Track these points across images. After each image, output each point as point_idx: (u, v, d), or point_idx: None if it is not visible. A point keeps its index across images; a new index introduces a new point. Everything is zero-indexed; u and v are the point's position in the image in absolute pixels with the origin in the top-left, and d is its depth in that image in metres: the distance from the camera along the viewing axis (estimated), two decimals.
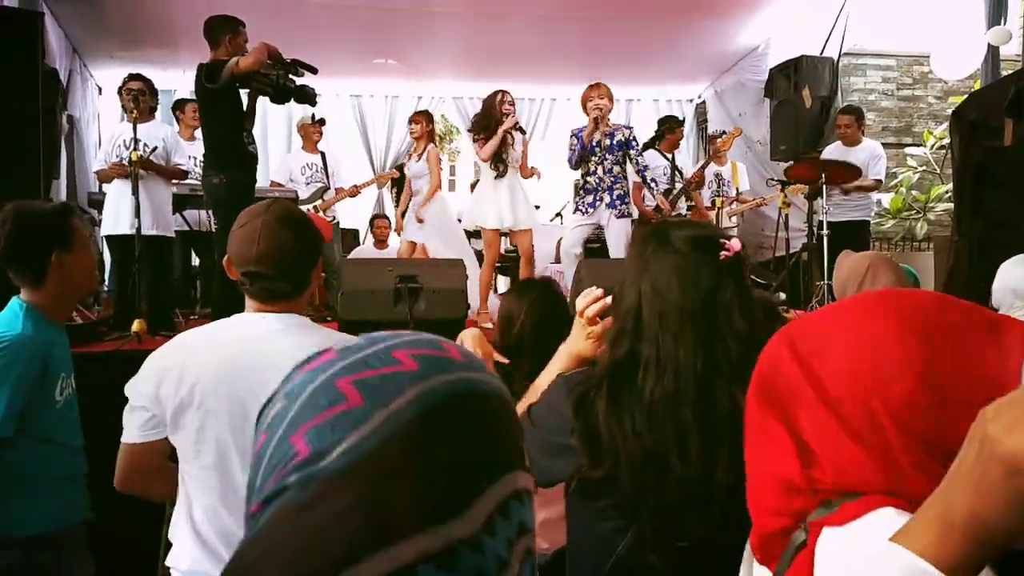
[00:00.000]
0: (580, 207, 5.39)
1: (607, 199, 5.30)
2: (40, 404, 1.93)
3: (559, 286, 2.40)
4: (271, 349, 1.52)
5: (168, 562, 1.66)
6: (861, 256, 2.52)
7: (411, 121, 6.11)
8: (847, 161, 5.59)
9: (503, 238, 5.90)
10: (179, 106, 6.25)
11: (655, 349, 1.20)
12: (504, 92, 5.35)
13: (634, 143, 5.45)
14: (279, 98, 4.45)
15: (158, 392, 1.59)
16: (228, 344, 1.62)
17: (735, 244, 1.21)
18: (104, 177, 4.90)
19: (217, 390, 1.56)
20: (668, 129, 6.66)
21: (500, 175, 5.26)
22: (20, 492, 1.91)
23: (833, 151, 6.00)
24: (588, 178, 5.32)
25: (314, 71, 4.47)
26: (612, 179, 5.32)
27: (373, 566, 0.38)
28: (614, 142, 5.31)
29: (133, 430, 1.64)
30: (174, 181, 5.04)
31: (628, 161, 5.43)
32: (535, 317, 2.10)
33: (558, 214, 8.50)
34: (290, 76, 4.36)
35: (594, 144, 5.28)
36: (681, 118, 7.55)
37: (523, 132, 5.54)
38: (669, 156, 6.54)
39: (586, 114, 5.33)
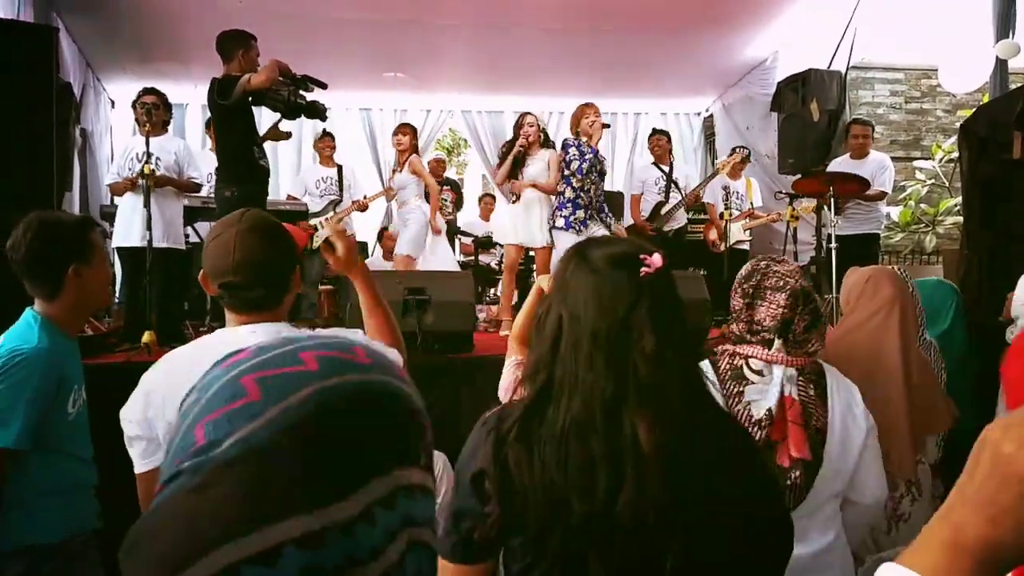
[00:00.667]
0: (573, 225, 5.14)
1: (597, 216, 5.27)
2: (54, 416, 1.94)
3: None
4: None
5: None
6: (863, 269, 2.53)
7: (399, 133, 6.11)
8: (855, 173, 5.58)
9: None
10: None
11: (567, 376, 1.14)
12: (526, 114, 5.45)
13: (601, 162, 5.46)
14: (290, 114, 4.50)
15: (146, 416, 1.56)
16: (207, 361, 1.60)
17: (656, 260, 1.15)
18: (116, 190, 4.95)
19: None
20: (649, 140, 6.83)
21: (517, 199, 5.39)
22: (31, 502, 1.91)
23: (841, 163, 5.99)
24: (581, 194, 5.20)
25: (324, 86, 4.53)
26: (600, 197, 5.32)
27: (243, 545, 0.41)
28: (599, 159, 5.36)
29: (137, 460, 1.61)
30: (186, 194, 5.09)
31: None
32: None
33: None
34: (300, 92, 4.41)
35: (584, 163, 5.21)
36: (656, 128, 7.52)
37: (552, 147, 5.50)
38: (664, 168, 6.57)
39: (576, 131, 5.33)
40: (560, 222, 5.16)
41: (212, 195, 5.71)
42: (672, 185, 6.52)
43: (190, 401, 0.50)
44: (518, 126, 5.39)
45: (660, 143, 6.73)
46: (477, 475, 1.16)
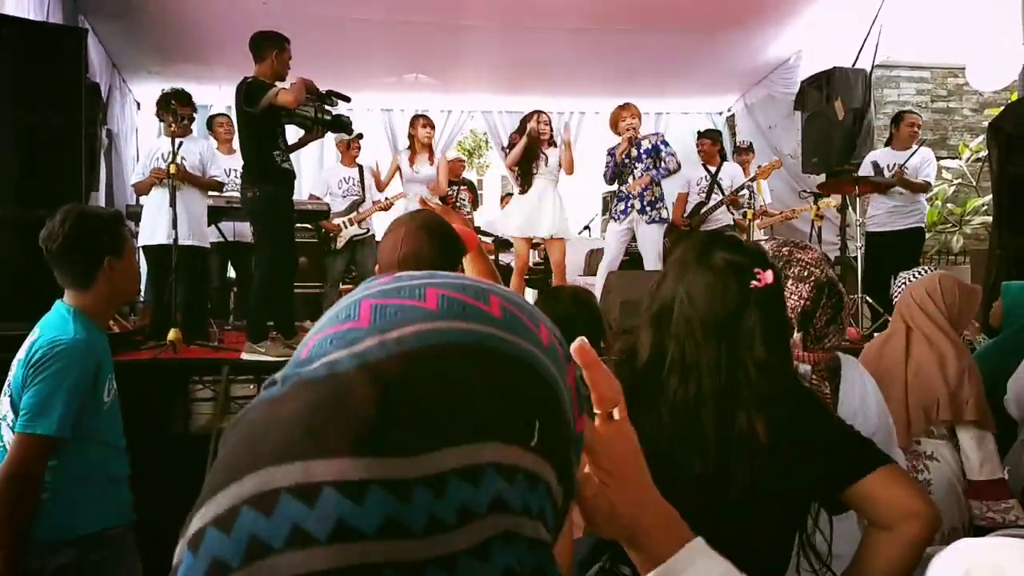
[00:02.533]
0: (613, 215, 5.63)
1: (638, 205, 5.50)
2: (91, 405, 1.98)
3: (591, 293, 2.42)
4: None
5: None
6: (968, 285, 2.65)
7: (428, 125, 6.19)
8: (897, 164, 5.53)
9: (533, 250, 5.97)
10: (210, 122, 6.40)
11: (680, 351, 1.25)
12: (540, 113, 5.63)
13: (662, 146, 5.64)
14: (317, 130, 4.56)
15: None
16: None
17: (767, 276, 1.24)
18: (141, 188, 5.01)
19: None
20: (698, 140, 6.78)
21: (524, 189, 5.51)
22: (76, 492, 1.95)
23: (883, 154, 5.86)
24: (621, 187, 5.58)
25: (347, 99, 4.59)
26: (642, 186, 5.51)
27: (285, 472, 0.38)
28: (642, 150, 5.56)
29: None
30: (210, 193, 5.14)
31: (659, 163, 5.59)
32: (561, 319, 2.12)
33: (586, 227, 8.51)
34: (326, 107, 4.44)
35: (624, 158, 5.55)
36: (710, 128, 7.48)
37: (555, 145, 5.64)
38: (711, 169, 6.55)
39: (616, 134, 5.63)
40: (613, 213, 5.68)
41: (237, 194, 5.79)
42: (715, 186, 6.50)
43: (325, 317, 0.48)
44: (527, 119, 5.58)
45: (703, 146, 6.69)
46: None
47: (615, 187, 5.73)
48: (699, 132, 7.04)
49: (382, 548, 0.37)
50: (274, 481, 0.37)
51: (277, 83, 4.38)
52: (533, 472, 0.43)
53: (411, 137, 6.20)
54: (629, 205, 5.51)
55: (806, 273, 1.77)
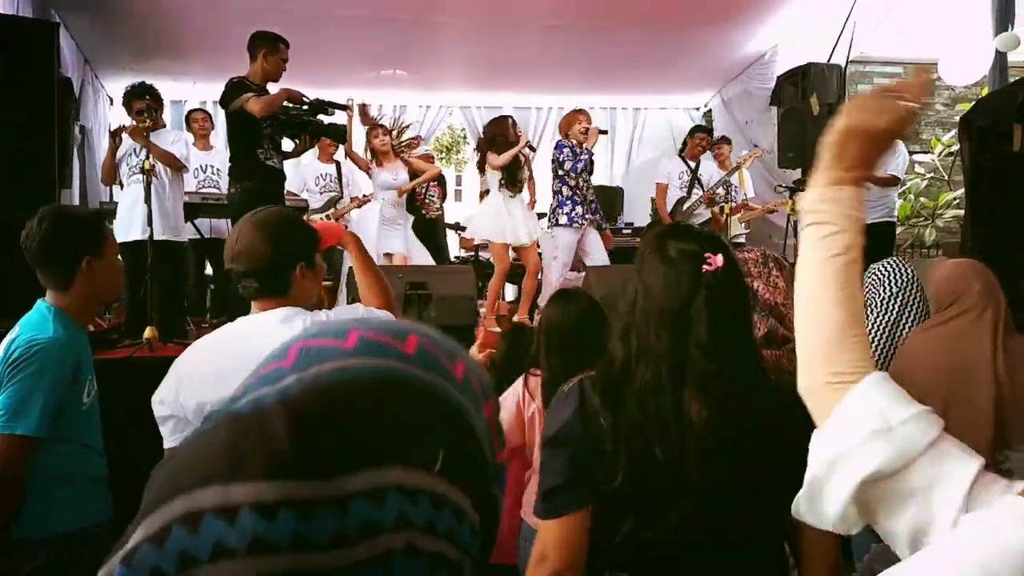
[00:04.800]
0: (575, 220, 5.48)
1: (588, 214, 5.57)
2: (70, 406, 1.97)
3: (590, 296, 2.46)
4: (260, 344, 1.56)
5: None
6: (950, 262, 2.43)
7: (383, 133, 6.11)
8: None
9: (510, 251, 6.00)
10: (187, 117, 6.34)
11: (643, 341, 1.31)
12: (512, 118, 5.70)
13: (591, 164, 5.73)
14: (304, 140, 4.48)
15: (178, 399, 1.70)
16: (225, 344, 1.73)
17: (717, 259, 1.28)
18: (106, 172, 4.91)
19: (217, 391, 1.59)
20: (689, 136, 6.84)
21: (514, 194, 5.49)
22: (52, 491, 1.94)
23: None
24: (577, 192, 5.56)
25: (344, 108, 4.53)
26: (592, 194, 5.65)
27: (210, 494, 0.42)
28: (588, 159, 5.64)
29: (167, 437, 1.76)
30: (186, 189, 5.09)
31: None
32: (580, 324, 2.17)
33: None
34: (317, 116, 4.38)
35: (578, 164, 5.55)
36: (701, 124, 7.53)
37: (533, 150, 5.68)
38: (692, 164, 6.58)
39: (565, 135, 5.62)
40: (563, 219, 5.50)
41: (213, 190, 5.78)
42: (696, 181, 6.54)
43: (265, 356, 0.52)
44: (513, 126, 5.54)
45: (700, 141, 6.70)
46: (577, 431, 1.32)
47: (573, 183, 5.58)
48: (696, 127, 7.09)
49: (289, 560, 0.42)
50: (200, 502, 0.42)
51: (269, 84, 4.36)
52: (438, 494, 0.48)
53: (372, 150, 6.09)
54: (586, 210, 5.53)
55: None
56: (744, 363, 1.32)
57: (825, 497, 0.83)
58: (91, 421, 2.09)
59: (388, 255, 5.91)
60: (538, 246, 6.66)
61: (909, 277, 2.82)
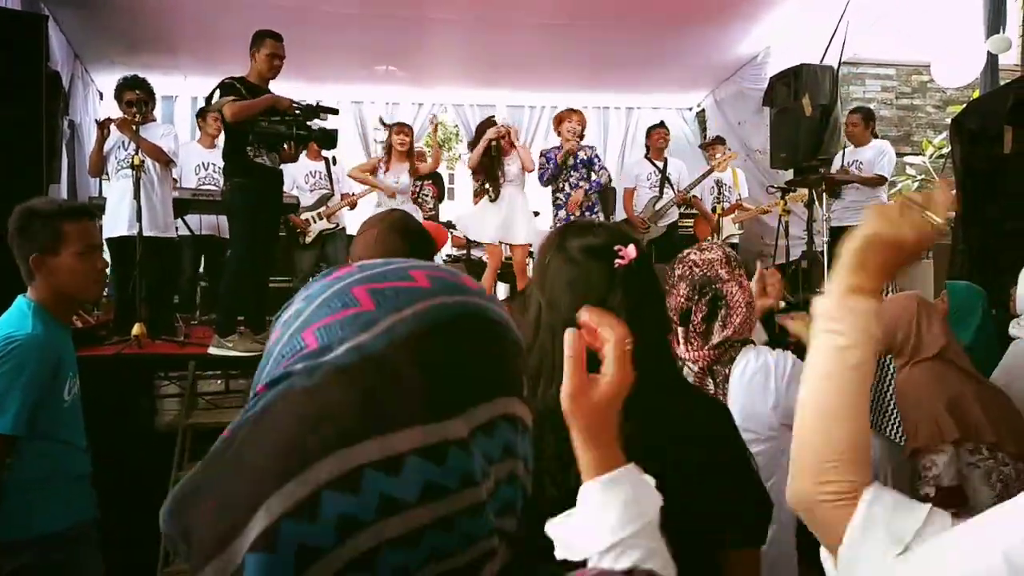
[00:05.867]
0: (557, 224, 5.71)
1: (577, 213, 5.67)
2: (50, 403, 1.93)
3: None
4: None
5: None
6: (903, 298, 2.44)
7: (403, 132, 6.03)
8: (855, 160, 5.82)
9: (502, 246, 6.00)
10: (202, 114, 6.28)
11: (545, 363, 1.17)
12: (500, 126, 5.77)
13: (596, 159, 5.85)
14: (290, 147, 4.41)
15: None
16: None
17: (630, 251, 1.17)
18: (93, 164, 4.86)
19: None
20: (651, 132, 6.86)
21: (493, 197, 5.57)
22: (33, 492, 1.91)
23: (845, 152, 6.05)
24: (559, 195, 5.74)
25: (335, 112, 4.49)
26: (578, 203, 5.70)
27: (366, 450, 0.41)
28: (578, 160, 5.73)
29: None
30: (176, 185, 5.05)
31: (591, 175, 5.81)
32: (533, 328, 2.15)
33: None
34: (306, 123, 4.32)
35: (558, 168, 5.70)
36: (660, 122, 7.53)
37: (513, 146, 5.74)
38: (658, 164, 6.59)
39: (558, 134, 5.76)
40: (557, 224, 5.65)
41: (206, 187, 5.75)
42: (665, 181, 6.55)
43: (293, 310, 0.49)
44: (487, 125, 5.68)
45: (665, 137, 6.77)
46: None
47: (547, 189, 5.84)
48: (652, 126, 7.06)
49: (455, 500, 0.43)
50: (353, 460, 0.41)
51: (271, 83, 4.34)
52: (524, 420, 0.51)
53: (388, 145, 6.03)
54: (569, 215, 5.65)
55: (687, 272, 1.83)
56: (664, 366, 1.22)
57: None
58: (73, 418, 2.05)
59: None
60: (531, 246, 6.65)
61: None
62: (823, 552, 0.87)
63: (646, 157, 6.81)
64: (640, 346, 1.06)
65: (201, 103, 6.72)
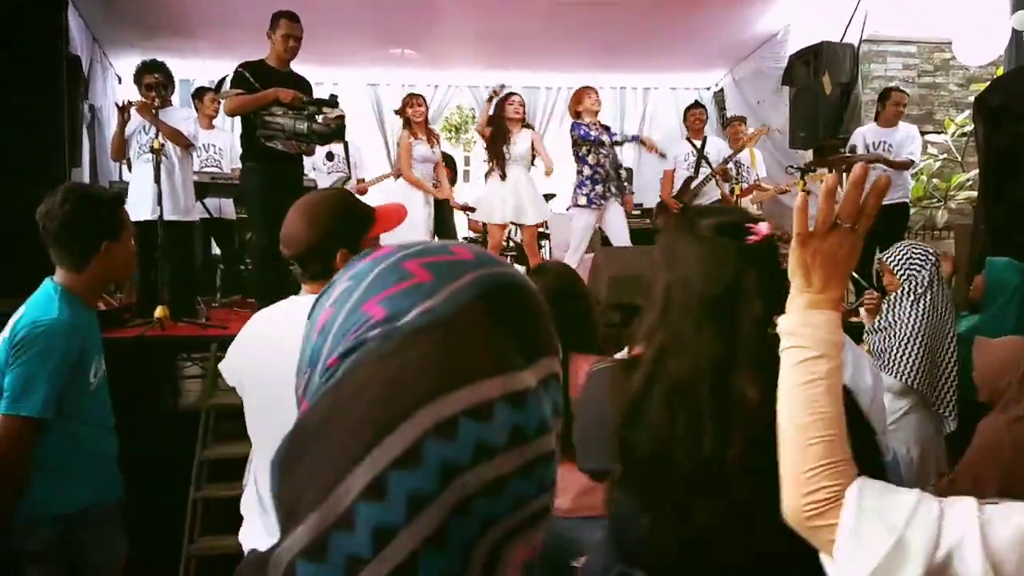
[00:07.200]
0: (594, 201, 5.53)
1: (613, 189, 5.62)
2: (76, 386, 1.96)
3: (572, 268, 2.44)
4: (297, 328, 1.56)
5: (240, 537, 1.73)
6: (1015, 343, 2.36)
7: (414, 104, 6.00)
8: (883, 141, 5.68)
9: (510, 227, 6.02)
10: (198, 95, 6.32)
11: (674, 340, 1.20)
12: (511, 94, 5.72)
13: (614, 134, 5.81)
14: (292, 145, 4.41)
15: (230, 367, 1.73)
16: (269, 326, 1.73)
17: (762, 227, 1.19)
18: (115, 148, 4.89)
19: (262, 374, 1.61)
20: (686, 113, 6.77)
21: (503, 176, 5.51)
22: (59, 472, 1.94)
23: (869, 131, 5.90)
24: (598, 169, 5.58)
25: (331, 104, 4.44)
26: (616, 170, 5.70)
27: (459, 398, 0.43)
28: (609, 136, 5.67)
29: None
30: (195, 169, 5.10)
31: (617, 147, 5.83)
32: (548, 295, 2.15)
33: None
34: (315, 118, 4.32)
35: (599, 137, 5.58)
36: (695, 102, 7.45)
37: (531, 127, 5.67)
38: (697, 143, 6.53)
39: (576, 111, 5.65)
40: (582, 200, 5.54)
41: (212, 169, 5.83)
42: (703, 160, 6.49)
43: (341, 289, 0.52)
44: (497, 108, 5.57)
45: (701, 117, 6.67)
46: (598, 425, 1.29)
47: (594, 160, 5.60)
48: (688, 106, 7.00)
49: (538, 446, 0.46)
50: (448, 408, 0.43)
51: (289, 64, 4.39)
52: (560, 378, 0.53)
53: (406, 119, 6.01)
54: (607, 188, 5.56)
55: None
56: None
57: None
58: (99, 399, 2.09)
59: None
60: (545, 227, 6.63)
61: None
62: (823, 558, 0.89)
63: (686, 138, 6.75)
64: (769, 320, 1.14)
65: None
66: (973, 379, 2.41)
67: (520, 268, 5.62)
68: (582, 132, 5.53)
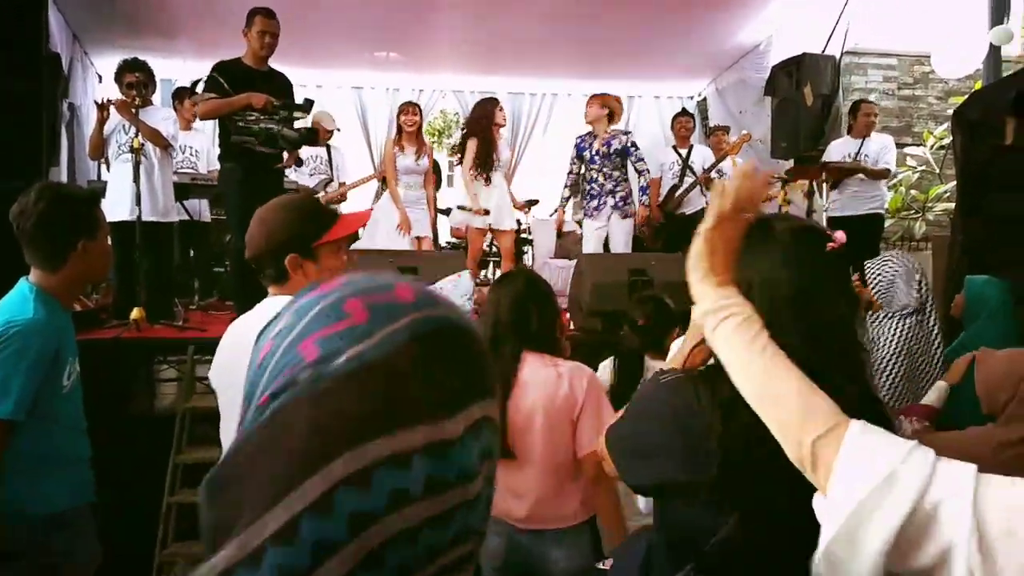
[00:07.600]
0: (587, 212, 5.75)
1: (611, 202, 5.67)
2: (50, 388, 1.93)
3: (538, 275, 2.43)
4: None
5: None
6: (1014, 355, 2.31)
7: (409, 112, 5.81)
8: (861, 152, 5.82)
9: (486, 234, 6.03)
10: (177, 95, 6.27)
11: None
12: (493, 101, 5.75)
13: (632, 149, 5.75)
14: (276, 148, 4.38)
15: (212, 372, 1.78)
16: (244, 330, 1.75)
17: (840, 236, 1.23)
18: (94, 146, 4.83)
19: (231, 380, 1.60)
20: (673, 121, 6.83)
21: (487, 181, 5.52)
22: (31, 474, 1.91)
23: (843, 143, 6.04)
24: (591, 185, 5.70)
25: (307, 108, 4.39)
26: (613, 183, 5.68)
27: (378, 447, 0.44)
28: (611, 149, 5.66)
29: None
30: (175, 170, 5.05)
31: (628, 165, 5.80)
32: (511, 302, 2.17)
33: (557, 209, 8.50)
34: (292, 121, 4.28)
35: (594, 153, 5.67)
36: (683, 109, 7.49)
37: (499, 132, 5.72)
38: (683, 152, 6.58)
39: (590, 122, 5.74)
40: (590, 211, 5.76)
41: (188, 170, 5.80)
42: (687, 169, 6.53)
43: (283, 324, 0.53)
44: (485, 114, 5.55)
45: (687, 125, 6.73)
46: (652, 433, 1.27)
47: (577, 173, 5.86)
48: (675, 114, 7.06)
49: (456, 494, 0.47)
50: (366, 458, 0.44)
51: (267, 61, 4.38)
52: (496, 422, 0.54)
53: (398, 127, 5.87)
54: (602, 202, 5.65)
55: None
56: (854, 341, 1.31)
57: (858, 554, 0.82)
58: (72, 402, 2.06)
59: (419, 239, 5.81)
60: (528, 232, 6.65)
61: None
62: (816, 498, 0.91)
63: (672, 147, 6.79)
64: (851, 323, 1.21)
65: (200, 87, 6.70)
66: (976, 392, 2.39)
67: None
68: (577, 146, 5.74)
